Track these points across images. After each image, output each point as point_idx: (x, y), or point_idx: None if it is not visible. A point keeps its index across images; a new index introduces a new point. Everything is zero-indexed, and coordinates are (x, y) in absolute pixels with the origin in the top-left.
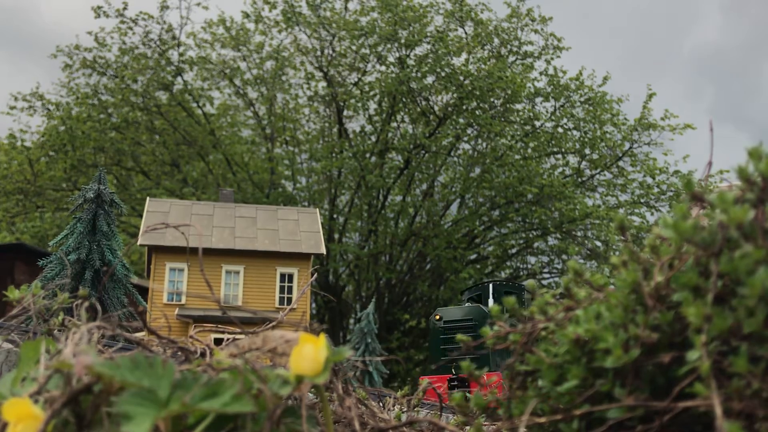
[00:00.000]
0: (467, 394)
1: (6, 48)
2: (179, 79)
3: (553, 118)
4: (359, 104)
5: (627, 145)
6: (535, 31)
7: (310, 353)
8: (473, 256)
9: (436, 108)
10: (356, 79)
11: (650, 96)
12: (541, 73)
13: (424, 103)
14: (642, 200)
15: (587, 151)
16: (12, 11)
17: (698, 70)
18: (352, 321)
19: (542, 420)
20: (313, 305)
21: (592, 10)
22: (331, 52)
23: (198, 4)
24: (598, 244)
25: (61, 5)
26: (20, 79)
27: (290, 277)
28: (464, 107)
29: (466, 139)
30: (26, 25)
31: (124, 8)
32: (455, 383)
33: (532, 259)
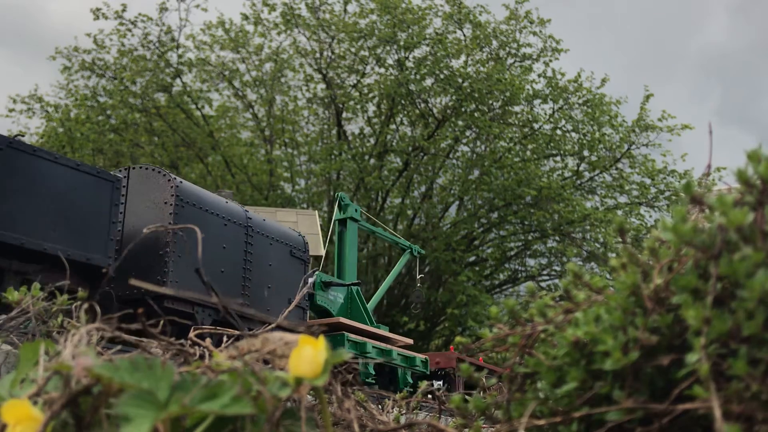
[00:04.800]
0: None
1: (13, 48)
2: (178, 80)
3: (551, 120)
4: (358, 106)
5: (625, 147)
6: (534, 33)
7: (309, 355)
8: (472, 258)
9: (434, 110)
10: (355, 81)
11: (647, 97)
12: (539, 75)
13: (422, 105)
14: (641, 202)
15: (586, 152)
16: (16, 11)
17: (704, 72)
18: None
19: (541, 422)
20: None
21: (597, 12)
22: (330, 54)
23: (197, 6)
24: (597, 246)
25: (67, 6)
26: (27, 81)
27: None
28: (463, 109)
29: (464, 141)
30: (35, 26)
31: (123, 10)
32: None
33: (531, 261)
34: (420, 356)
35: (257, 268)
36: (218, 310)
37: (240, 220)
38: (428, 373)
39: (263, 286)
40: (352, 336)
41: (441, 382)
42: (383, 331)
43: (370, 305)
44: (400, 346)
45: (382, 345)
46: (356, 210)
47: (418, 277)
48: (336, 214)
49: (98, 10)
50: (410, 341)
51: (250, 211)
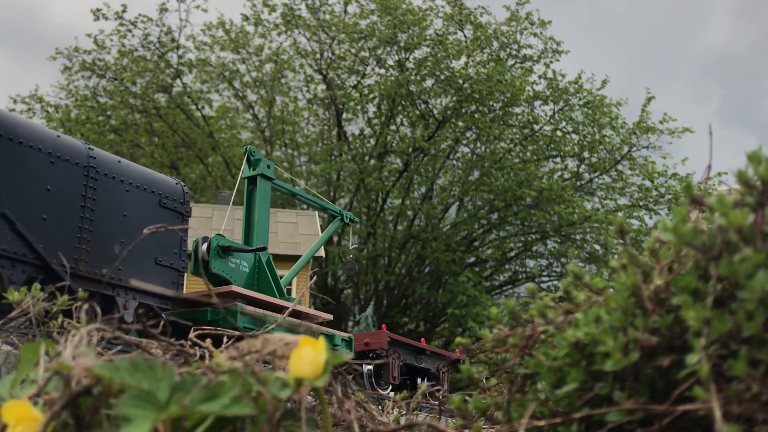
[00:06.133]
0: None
1: (14, 48)
2: (178, 81)
3: (552, 121)
4: (358, 107)
5: (626, 149)
6: (534, 35)
7: (309, 356)
8: (472, 259)
9: (435, 111)
10: (355, 82)
11: (649, 99)
12: (540, 77)
13: (423, 106)
14: (641, 203)
15: (586, 154)
16: (19, 11)
17: (706, 73)
18: (350, 324)
19: (541, 423)
20: (312, 308)
21: (597, 13)
22: (330, 55)
23: (197, 7)
24: (597, 247)
25: (70, 7)
26: (29, 80)
27: None
28: (463, 110)
29: (465, 142)
30: (38, 26)
31: (123, 11)
32: None
33: (531, 263)
34: (342, 334)
35: (103, 218)
36: (38, 266)
37: (78, 158)
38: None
39: (112, 240)
40: (249, 308)
41: (371, 367)
42: (292, 303)
43: (287, 277)
44: (317, 323)
45: (291, 320)
46: (269, 166)
47: (351, 247)
48: (244, 170)
49: (98, 10)
50: (329, 317)
51: (99, 150)
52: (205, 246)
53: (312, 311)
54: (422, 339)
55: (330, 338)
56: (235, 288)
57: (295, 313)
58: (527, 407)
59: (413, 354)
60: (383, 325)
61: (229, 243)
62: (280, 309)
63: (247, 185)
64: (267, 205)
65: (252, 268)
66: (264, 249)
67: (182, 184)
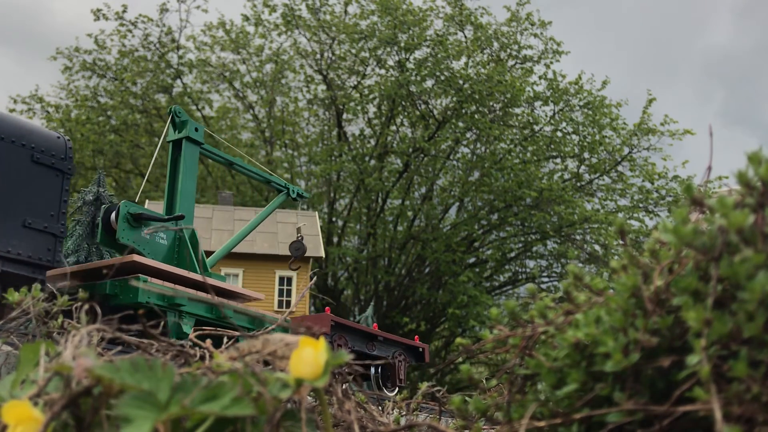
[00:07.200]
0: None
1: (16, 48)
2: (179, 81)
3: (552, 122)
4: (358, 107)
5: (626, 150)
6: (535, 35)
7: (309, 357)
8: (472, 260)
9: (435, 112)
10: (356, 83)
11: (650, 101)
12: (540, 77)
13: (423, 106)
14: (641, 205)
15: (586, 155)
16: (22, 11)
17: (708, 74)
18: None
19: (542, 424)
20: (312, 308)
21: (599, 13)
22: (330, 55)
23: (198, 8)
24: (597, 248)
25: (72, 7)
26: (30, 81)
27: (289, 280)
28: (463, 111)
29: (465, 142)
30: (40, 26)
31: (124, 11)
32: None
33: (531, 263)
34: (275, 316)
35: None
36: None
37: None
38: None
39: None
40: (156, 282)
41: None
42: (216, 281)
43: (216, 255)
44: (246, 302)
45: (208, 298)
46: (197, 129)
47: (297, 226)
48: (169, 133)
49: (99, 11)
50: (261, 296)
51: None
52: (113, 213)
53: (242, 290)
54: (374, 324)
55: (261, 323)
56: (137, 258)
57: (225, 293)
58: (527, 408)
59: (363, 340)
60: (326, 308)
61: (142, 210)
62: (195, 284)
63: (172, 150)
64: (194, 172)
65: (172, 241)
66: (182, 218)
67: (66, 138)
